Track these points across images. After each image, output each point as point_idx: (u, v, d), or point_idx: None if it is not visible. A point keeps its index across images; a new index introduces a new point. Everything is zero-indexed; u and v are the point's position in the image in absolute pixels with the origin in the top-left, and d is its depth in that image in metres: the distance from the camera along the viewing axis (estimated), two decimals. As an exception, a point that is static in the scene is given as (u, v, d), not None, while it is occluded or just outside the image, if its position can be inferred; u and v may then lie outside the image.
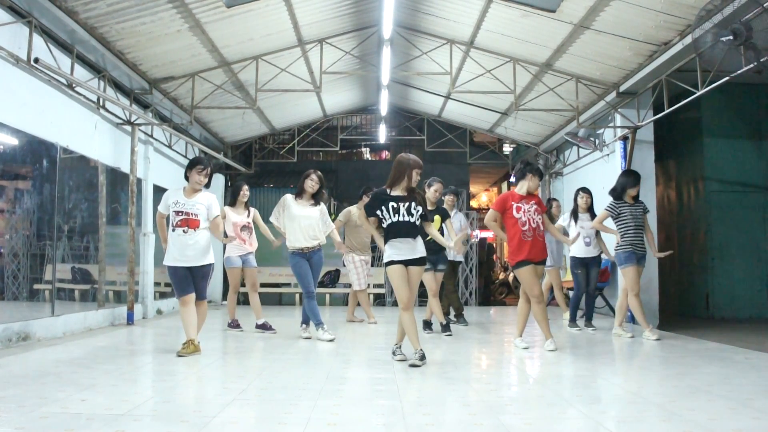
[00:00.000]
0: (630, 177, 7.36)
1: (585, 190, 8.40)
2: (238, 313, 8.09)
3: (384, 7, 8.29)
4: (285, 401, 3.91)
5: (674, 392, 4.33)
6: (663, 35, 7.52)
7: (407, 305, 5.28)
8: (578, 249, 8.15)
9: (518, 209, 6.22)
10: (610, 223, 7.49)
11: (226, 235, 7.42)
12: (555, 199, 9.73)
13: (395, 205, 5.31)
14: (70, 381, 4.45)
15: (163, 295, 10.53)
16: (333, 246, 7.96)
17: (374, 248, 10.75)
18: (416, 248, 5.36)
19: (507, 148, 16.94)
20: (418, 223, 5.37)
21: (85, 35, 7.20)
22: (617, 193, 7.35)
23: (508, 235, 6.30)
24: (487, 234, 21.09)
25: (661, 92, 8.43)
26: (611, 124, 9.86)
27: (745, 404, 3.87)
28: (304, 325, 7.18)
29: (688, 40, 7.20)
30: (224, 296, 12.87)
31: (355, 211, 8.86)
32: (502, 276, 18.13)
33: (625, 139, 9.54)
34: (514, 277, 17.66)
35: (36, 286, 8.00)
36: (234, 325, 7.83)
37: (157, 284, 9.96)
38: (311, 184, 7.08)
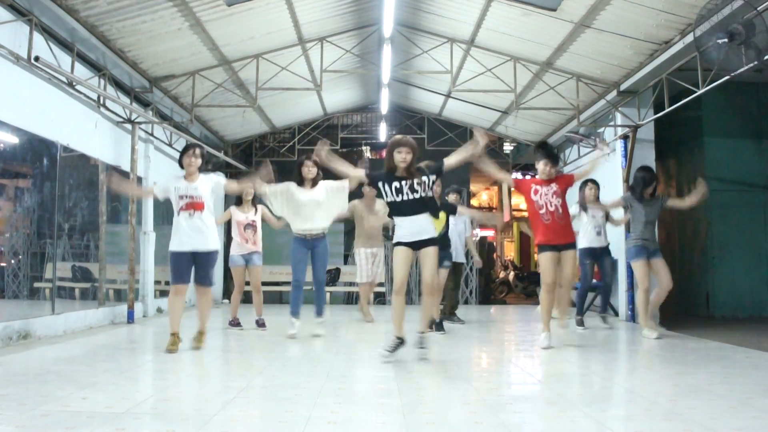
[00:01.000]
0: (644, 176, 7.37)
1: (593, 181, 8.28)
2: (241, 312, 8.07)
3: (384, 6, 8.29)
4: (285, 399, 3.91)
5: (675, 391, 4.33)
6: (664, 34, 7.52)
7: (399, 288, 5.26)
8: (588, 238, 8.02)
9: (536, 192, 6.17)
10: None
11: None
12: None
13: (398, 184, 5.21)
14: (70, 379, 4.45)
15: (163, 294, 10.53)
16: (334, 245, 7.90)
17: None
18: (424, 228, 5.26)
19: (507, 147, 16.93)
20: (425, 196, 5.26)
21: (85, 33, 7.20)
22: (634, 190, 7.40)
23: (530, 220, 6.31)
24: (487, 233, 21.14)
25: (662, 91, 8.42)
26: (612, 123, 9.86)
27: (745, 403, 3.87)
28: (294, 319, 6.98)
29: (688, 38, 7.19)
30: (224, 294, 12.88)
31: (359, 204, 8.80)
32: (502, 275, 18.14)
33: (625, 138, 9.53)
34: (515, 276, 17.70)
35: (36, 285, 7.99)
36: (234, 323, 7.83)
37: (157, 282, 9.96)
38: (307, 170, 6.96)
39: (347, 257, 14.10)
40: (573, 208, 8.47)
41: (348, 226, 14.84)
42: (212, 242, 5.86)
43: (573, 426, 3.36)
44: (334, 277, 12.92)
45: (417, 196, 5.22)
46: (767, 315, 10.32)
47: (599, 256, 8.08)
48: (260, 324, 7.68)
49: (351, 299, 13.12)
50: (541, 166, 6.25)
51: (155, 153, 10.09)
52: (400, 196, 5.22)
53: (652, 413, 3.67)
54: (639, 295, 7.22)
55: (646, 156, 9.57)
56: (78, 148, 7.69)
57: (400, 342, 5.31)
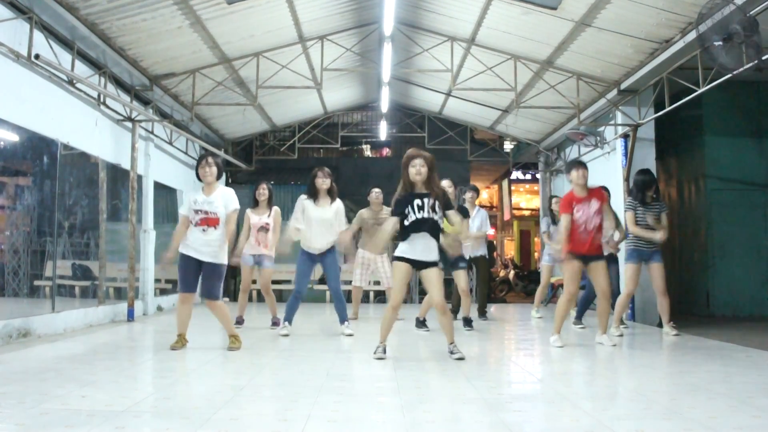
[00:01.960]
0: (642, 179, 7.32)
1: (557, 197, 8.33)
2: (251, 311, 8.02)
3: (385, 4, 8.28)
4: (285, 398, 3.91)
5: (674, 390, 4.34)
6: (664, 33, 7.51)
7: (396, 306, 5.39)
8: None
9: (577, 210, 6.22)
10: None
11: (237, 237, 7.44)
12: (555, 196, 9.63)
13: (420, 202, 5.21)
14: (70, 377, 4.45)
15: (163, 292, 10.55)
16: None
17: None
18: (431, 249, 5.28)
19: (508, 146, 16.93)
20: (440, 222, 5.32)
21: (85, 31, 7.19)
22: (634, 194, 7.35)
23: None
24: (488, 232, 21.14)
25: (662, 90, 8.42)
26: (612, 122, 9.86)
27: (745, 402, 3.87)
28: (286, 323, 7.01)
29: (689, 37, 7.19)
30: (225, 293, 12.88)
31: (366, 213, 8.85)
32: (502, 273, 18.13)
33: (626, 136, 9.53)
34: (515, 275, 17.69)
35: (36, 283, 8.02)
36: (237, 321, 7.83)
37: (157, 281, 9.97)
38: (321, 181, 6.96)
39: (346, 256, 14.09)
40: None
41: (348, 225, 14.85)
42: (221, 257, 5.84)
43: (573, 424, 3.36)
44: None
45: (435, 217, 5.25)
46: (767, 314, 10.32)
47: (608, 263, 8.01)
48: (276, 324, 7.67)
49: (349, 299, 13.11)
50: (574, 173, 6.29)
51: (155, 151, 10.08)
52: (421, 212, 5.21)
53: (652, 412, 3.68)
54: (622, 296, 7.20)
55: (647, 155, 9.58)
56: (78, 146, 7.68)
57: (384, 347, 5.46)
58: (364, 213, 8.86)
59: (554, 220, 8.80)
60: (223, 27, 8.53)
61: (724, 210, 10.75)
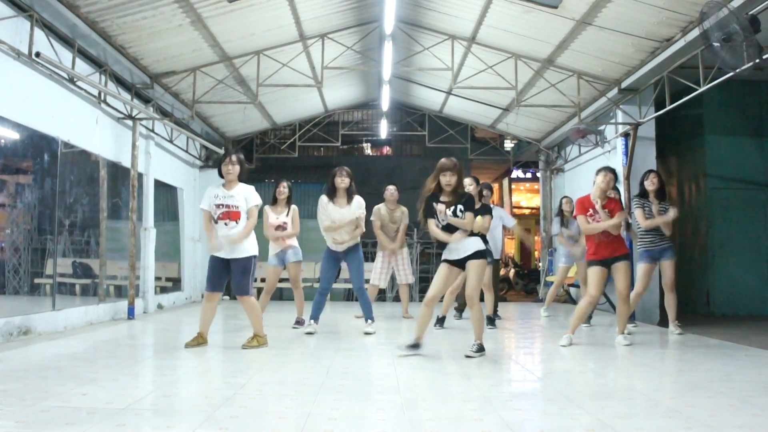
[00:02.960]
0: (645, 174, 7.40)
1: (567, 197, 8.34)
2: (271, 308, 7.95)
3: (385, 3, 8.28)
4: (286, 396, 3.91)
5: (674, 389, 4.34)
6: (665, 31, 7.51)
7: (430, 301, 5.46)
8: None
9: (591, 216, 6.30)
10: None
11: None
12: (566, 197, 9.37)
13: (443, 208, 5.42)
14: (70, 375, 4.45)
15: (163, 290, 10.55)
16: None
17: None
18: (467, 247, 5.42)
19: (508, 144, 16.93)
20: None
21: (86, 29, 7.19)
22: (641, 191, 7.39)
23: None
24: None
25: (663, 89, 8.42)
26: (613, 121, 9.85)
27: (745, 401, 3.87)
28: (312, 321, 7.00)
29: (690, 36, 7.20)
30: (226, 291, 12.87)
31: (383, 208, 8.90)
32: (502, 272, 18.11)
33: (626, 135, 9.53)
34: (515, 273, 17.69)
35: (37, 281, 8.01)
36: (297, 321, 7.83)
37: (157, 279, 9.97)
38: (340, 180, 7.03)
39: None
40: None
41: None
42: (245, 250, 5.83)
43: (573, 423, 3.36)
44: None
45: (460, 216, 5.40)
46: (767, 313, 10.32)
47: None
48: (299, 323, 7.64)
49: (350, 296, 13.11)
50: (600, 177, 6.36)
51: (156, 149, 10.08)
52: (445, 220, 5.43)
53: (652, 411, 3.68)
54: (632, 295, 7.19)
55: (647, 154, 9.58)
56: (79, 144, 7.68)
57: (417, 347, 5.51)
58: (381, 208, 8.90)
59: (563, 221, 8.75)
60: (224, 25, 8.53)
61: (724, 209, 10.75)
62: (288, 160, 15.28)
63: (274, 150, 15.42)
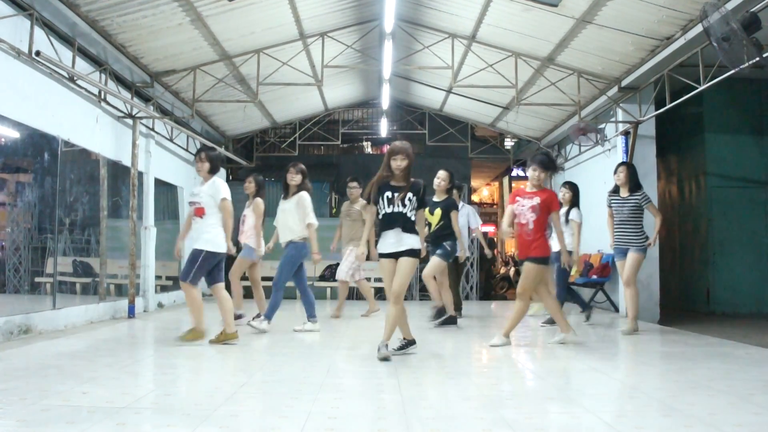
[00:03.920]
0: (615, 168, 7.30)
1: (567, 184, 8.14)
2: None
3: (385, 1, 8.27)
4: (286, 395, 3.91)
5: (675, 387, 4.34)
6: (665, 30, 7.50)
7: (396, 299, 5.16)
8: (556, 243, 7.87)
9: (517, 202, 6.13)
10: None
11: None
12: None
13: (390, 194, 5.22)
14: (71, 374, 4.46)
15: (164, 289, 10.55)
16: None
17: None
18: (403, 240, 5.20)
19: (508, 143, 16.92)
20: (411, 216, 5.25)
21: (86, 28, 7.19)
22: (613, 186, 7.34)
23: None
24: (488, 228, 21.12)
25: (663, 87, 8.41)
26: (613, 119, 9.85)
27: (745, 399, 3.87)
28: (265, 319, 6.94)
29: (690, 34, 7.19)
30: (227, 289, 12.87)
31: (346, 205, 8.89)
32: (503, 270, 18.12)
33: (626, 134, 9.52)
34: (515, 272, 17.69)
35: (37, 279, 8.02)
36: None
37: (158, 277, 9.97)
38: (290, 177, 7.06)
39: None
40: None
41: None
42: (200, 243, 5.93)
43: (573, 421, 3.36)
44: (334, 272, 12.89)
45: (405, 210, 5.21)
46: (767, 311, 10.32)
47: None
48: (236, 316, 7.68)
49: (352, 295, 13.11)
50: (530, 171, 6.20)
51: (156, 148, 10.08)
52: (391, 207, 5.21)
53: (652, 409, 3.68)
54: (625, 291, 7.20)
55: (647, 152, 9.58)
56: (79, 143, 7.68)
57: (411, 343, 5.48)
58: (345, 205, 8.94)
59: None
60: (224, 24, 8.53)
61: (724, 207, 10.75)
62: (288, 158, 15.25)
63: (275, 149, 15.42)
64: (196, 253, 5.91)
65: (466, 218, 8.50)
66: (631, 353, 6.21)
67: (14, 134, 6.49)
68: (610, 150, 10.28)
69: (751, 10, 5.84)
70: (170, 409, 3.53)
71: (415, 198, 5.25)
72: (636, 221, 7.10)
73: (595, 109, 10.22)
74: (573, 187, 8.02)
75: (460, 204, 8.23)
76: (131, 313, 8.51)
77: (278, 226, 7.07)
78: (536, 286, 6.07)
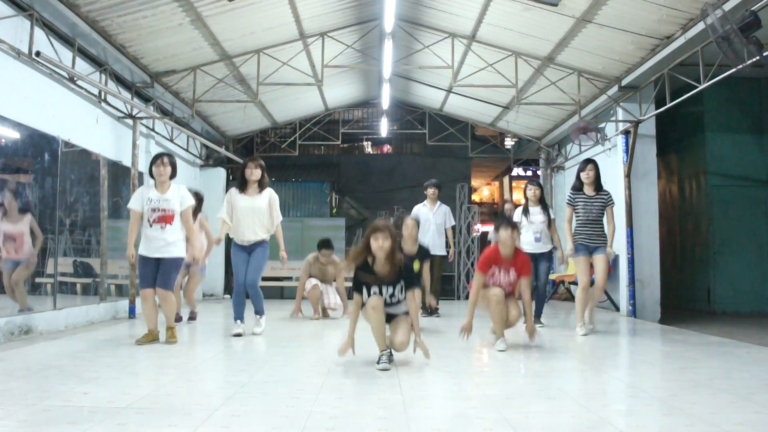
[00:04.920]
0: (581, 165, 7.10)
1: (534, 182, 8.05)
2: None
3: (385, 1, 8.28)
4: (287, 394, 3.91)
5: (675, 386, 4.34)
6: (665, 29, 7.50)
7: (375, 306, 4.87)
8: (527, 244, 7.66)
9: (493, 275, 5.92)
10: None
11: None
12: (507, 201, 9.28)
13: (376, 289, 4.88)
14: (72, 374, 4.46)
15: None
16: (336, 240, 7.80)
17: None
18: (398, 309, 5.03)
19: (509, 142, 16.93)
20: (403, 300, 4.98)
21: (86, 28, 7.19)
22: (575, 184, 7.13)
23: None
24: (488, 228, 21.12)
25: (663, 86, 8.41)
26: (613, 119, 9.85)
27: (746, 398, 3.87)
28: (238, 321, 6.72)
29: (690, 33, 7.20)
30: (226, 290, 12.90)
31: (311, 260, 8.80)
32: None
33: (626, 133, 9.52)
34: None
35: (38, 280, 7.98)
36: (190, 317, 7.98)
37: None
38: (250, 171, 6.69)
39: (347, 252, 14.09)
40: (516, 214, 8.06)
41: (349, 221, 14.88)
42: (178, 251, 6.02)
43: (574, 421, 3.36)
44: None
45: (394, 300, 4.96)
46: (768, 310, 10.33)
47: (537, 260, 7.65)
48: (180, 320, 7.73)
49: (350, 294, 13.14)
50: (503, 234, 5.88)
51: (156, 148, 10.08)
52: (384, 296, 4.91)
53: (653, 408, 3.68)
54: (578, 291, 6.98)
55: (648, 151, 9.59)
56: (79, 144, 7.68)
57: (389, 353, 4.99)
58: (309, 259, 8.81)
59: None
60: (224, 24, 8.53)
61: (725, 206, 10.75)
62: (288, 158, 15.29)
63: (275, 149, 15.43)
64: (178, 262, 6.04)
65: (443, 217, 9.03)
66: (631, 352, 6.22)
67: (14, 135, 6.48)
68: (610, 149, 10.28)
69: (751, 9, 5.84)
70: (171, 409, 3.53)
71: (404, 284, 4.93)
72: (601, 221, 7.03)
73: (596, 108, 10.22)
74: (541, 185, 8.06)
75: (437, 204, 8.95)
76: (132, 313, 8.52)
77: (242, 223, 6.61)
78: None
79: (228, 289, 12.99)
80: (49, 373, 4.50)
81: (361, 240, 4.93)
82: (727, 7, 6.06)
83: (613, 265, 9.45)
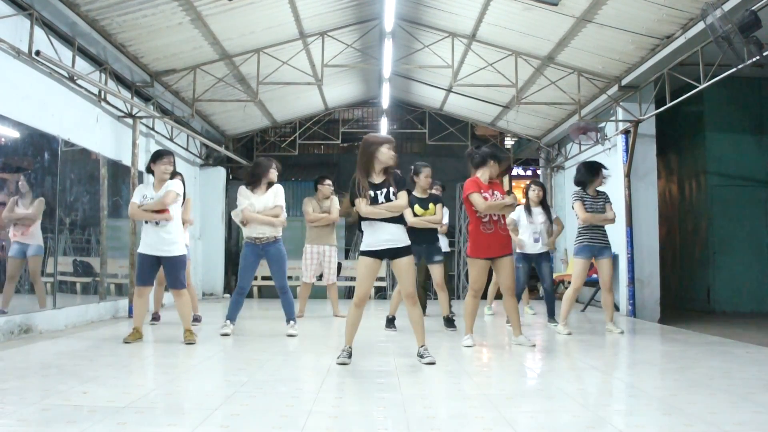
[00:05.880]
0: (590, 171, 7.03)
1: (537, 183, 8.06)
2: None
3: (385, 0, 8.27)
4: (286, 394, 3.92)
5: (675, 386, 4.34)
6: (665, 29, 7.50)
7: (360, 302, 4.94)
8: (526, 244, 7.72)
9: (485, 199, 5.80)
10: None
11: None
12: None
13: (372, 194, 4.89)
14: (71, 373, 4.46)
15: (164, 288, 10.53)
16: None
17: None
18: (396, 236, 4.91)
19: (509, 142, 16.92)
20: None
21: (86, 28, 7.19)
22: (581, 185, 7.10)
23: (470, 226, 6.00)
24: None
25: (663, 86, 8.41)
26: (613, 118, 9.85)
27: (746, 398, 3.87)
28: (228, 321, 6.68)
29: (690, 33, 7.19)
30: (226, 289, 12.90)
31: (309, 202, 8.70)
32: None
33: (626, 133, 9.52)
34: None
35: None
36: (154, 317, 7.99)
37: (158, 277, 9.96)
38: (275, 173, 6.90)
39: (348, 252, 14.10)
40: (517, 212, 7.89)
41: (349, 221, 14.86)
42: (178, 248, 6.04)
43: (573, 420, 3.36)
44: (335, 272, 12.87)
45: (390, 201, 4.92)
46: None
47: (536, 261, 7.75)
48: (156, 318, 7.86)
49: (351, 294, 13.13)
50: (496, 168, 5.99)
51: (156, 147, 10.07)
52: (374, 204, 4.91)
53: (652, 407, 3.68)
54: (568, 291, 6.94)
55: (647, 151, 9.59)
56: (79, 143, 7.68)
57: (349, 352, 4.99)
58: (307, 201, 8.69)
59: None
60: (224, 23, 8.53)
61: (724, 206, 10.75)
62: (288, 158, 15.27)
63: (275, 148, 15.41)
64: (182, 259, 6.08)
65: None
66: (631, 352, 6.22)
67: (14, 134, 6.47)
68: (610, 149, 10.28)
69: (751, 9, 5.84)
70: (171, 409, 3.53)
71: (395, 188, 4.94)
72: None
73: (596, 108, 10.22)
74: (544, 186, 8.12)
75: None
76: (131, 312, 8.50)
77: (254, 223, 6.59)
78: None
79: (228, 288, 12.99)
80: (48, 372, 4.51)
81: (365, 151, 4.96)
82: (727, 7, 6.06)
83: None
